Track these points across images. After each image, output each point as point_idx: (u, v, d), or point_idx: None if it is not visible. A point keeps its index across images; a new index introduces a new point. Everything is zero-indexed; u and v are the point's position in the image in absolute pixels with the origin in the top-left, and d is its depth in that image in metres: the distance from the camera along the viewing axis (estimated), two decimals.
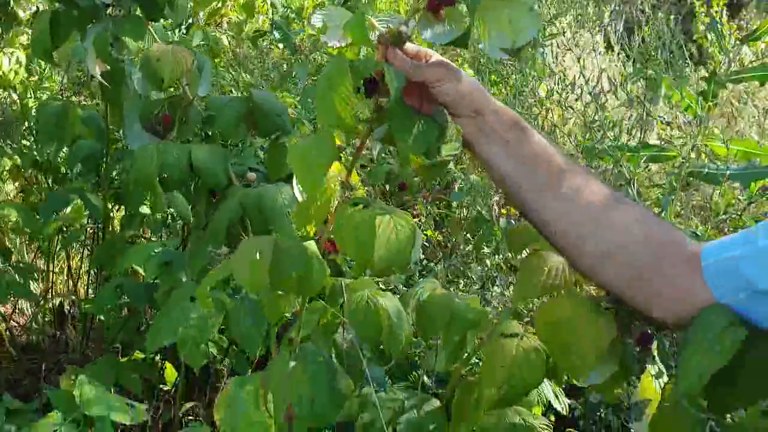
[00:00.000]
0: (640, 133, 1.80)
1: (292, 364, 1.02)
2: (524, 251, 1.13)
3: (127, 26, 1.48)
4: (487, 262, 1.53)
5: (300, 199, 1.04)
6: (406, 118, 0.91)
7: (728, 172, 1.53)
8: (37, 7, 2.47)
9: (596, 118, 1.46)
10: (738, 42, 1.55)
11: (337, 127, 0.87)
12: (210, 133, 1.61)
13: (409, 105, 0.93)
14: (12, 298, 2.35)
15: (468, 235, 1.55)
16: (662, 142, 1.58)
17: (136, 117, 1.54)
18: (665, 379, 1.07)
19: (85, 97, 2.12)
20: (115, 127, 1.84)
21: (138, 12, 1.52)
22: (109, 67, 1.53)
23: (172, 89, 1.55)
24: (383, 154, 1.66)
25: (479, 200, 1.46)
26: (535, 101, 1.75)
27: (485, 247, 1.47)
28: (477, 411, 1.13)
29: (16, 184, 2.49)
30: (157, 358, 2.16)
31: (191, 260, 1.51)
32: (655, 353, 1.12)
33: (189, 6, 1.77)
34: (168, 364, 2.08)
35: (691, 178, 1.61)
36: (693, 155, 1.56)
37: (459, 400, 1.18)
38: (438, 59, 0.94)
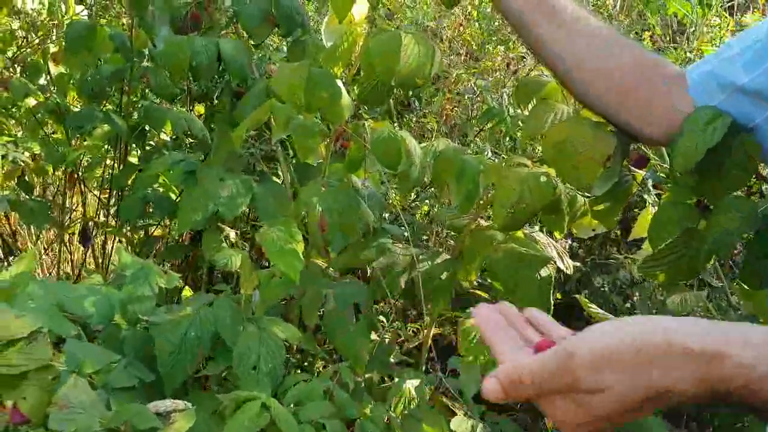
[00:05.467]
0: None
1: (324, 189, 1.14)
2: (530, 104, 1.24)
3: None
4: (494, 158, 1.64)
5: (328, 44, 1.15)
6: None
7: None
8: None
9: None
10: None
11: None
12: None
13: None
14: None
15: (476, 128, 1.67)
16: (656, 50, 1.70)
17: (165, 20, 1.65)
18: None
19: (114, 16, 2.22)
20: (139, 47, 1.93)
21: None
22: None
23: None
24: None
25: (489, 97, 1.57)
26: None
27: (492, 140, 1.58)
28: (487, 247, 1.23)
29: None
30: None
31: (217, 150, 1.62)
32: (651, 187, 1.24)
33: None
34: (186, 287, 2.18)
35: None
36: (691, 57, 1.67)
37: (470, 243, 1.29)
38: None
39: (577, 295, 1.51)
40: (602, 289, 1.62)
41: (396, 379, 1.26)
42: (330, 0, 1.05)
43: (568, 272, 1.40)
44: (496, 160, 1.67)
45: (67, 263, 2.63)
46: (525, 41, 1.09)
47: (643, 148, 1.16)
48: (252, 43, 1.66)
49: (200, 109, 2.30)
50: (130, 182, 2.14)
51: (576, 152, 1.03)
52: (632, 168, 1.14)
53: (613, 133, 1.04)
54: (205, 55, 1.50)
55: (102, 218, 2.40)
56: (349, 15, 1.10)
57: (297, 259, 1.19)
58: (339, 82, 1.12)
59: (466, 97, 1.70)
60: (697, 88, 0.96)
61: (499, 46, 2.27)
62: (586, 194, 1.12)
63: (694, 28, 1.72)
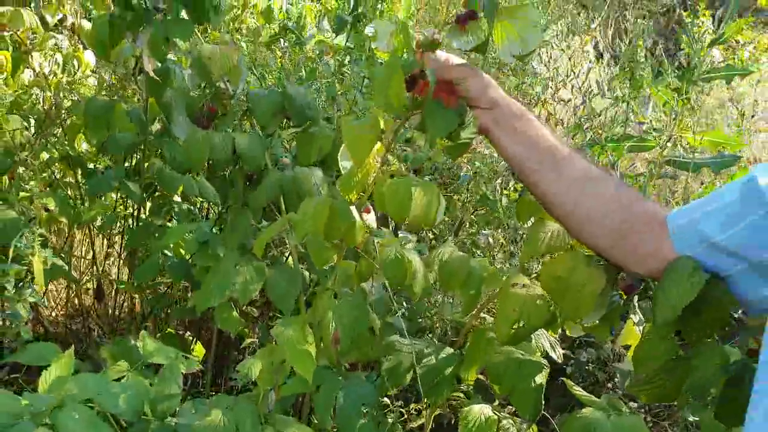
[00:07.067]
0: (624, 127, 2.03)
1: (337, 301, 1.26)
2: (529, 221, 1.36)
3: (176, 28, 1.69)
4: (490, 239, 1.76)
5: (344, 171, 1.26)
6: (437, 108, 1.14)
7: (700, 160, 1.77)
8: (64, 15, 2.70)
9: (585, 113, 1.69)
10: (708, 45, 1.78)
11: (388, 109, 1.09)
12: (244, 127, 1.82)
13: (438, 98, 1.15)
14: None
15: (473, 214, 1.79)
16: (642, 134, 1.81)
17: (182, 109, 1.75)
18: (643, 327, 1.29)
19: (130, 94, 2.31)
20: (152, 118, 2.03)
21: (185, 15, 1.73)
22: (159, 64, 1.73)
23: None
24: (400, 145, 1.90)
25: (483, 184, 1.69)
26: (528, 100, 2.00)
27: (488, 226, 1.70)
28: (488, 350, 1.35)
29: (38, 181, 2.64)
30: (187, 334, 2.38)
31: (231, 233, 1.72)
32: (637, 306, 1.35)
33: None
34: (198, 343, 2.29)
35: (668, 167, 1.84)
36: (669, 145, 1.80)
37: (472, 344, 1.41)
38: (462, 62, 1.17)
39: (563, 378, 1.64)
40: (587, 365, 1.74)
41: None
42: (347, 146, 1.16)
43: (559, 360, 1.52)
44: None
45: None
46: (522, 182, 1.20)
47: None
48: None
49: None
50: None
51: (574, 289, 1.15)
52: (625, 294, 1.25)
53: (604, 268, 1.15)
54: (223, 152, 1.61)
55: (109, 268, 2.51)
56: None
57: (310, 360, 1.30)
58: (354, 211, 1.23)
59: (460, 180, 1.81)
60: (678, 235, 1.07)
61: None
62: None
63: (674, 116, 1.84)
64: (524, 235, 1.74)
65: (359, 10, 2.92)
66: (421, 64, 1.12)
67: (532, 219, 1.33)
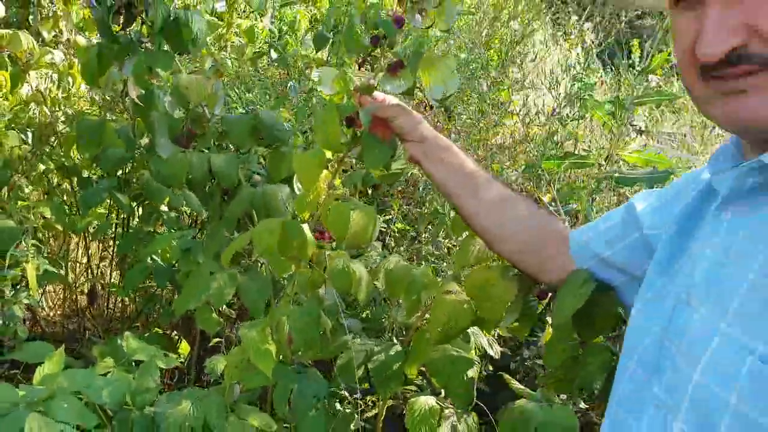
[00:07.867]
0: (575, 146, 2.22)
1: (291, 307, 1.44)
2: (463, 234, 1.55)
3: (158, 59, 1.88)
4: (441, 246, 1.96)
5: (298, 193, 1.45)
6: (372, 143, 1.33)
7: (636, 175, 1.96)
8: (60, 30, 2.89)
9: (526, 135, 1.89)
10: (640, 73, 1.97)
11: (327, 146, 1.28)
12: (224, 144, 2.01)
13: (374, 134, 1.34)
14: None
15: (429, 225, 1.98)
16: (581, 151, 2.01)
17: (164, 131, 1.94)
18: None
19: (119, 112, 2.49)
20: (139, 138, 2.21)
21: (167, 47, 1.91)
22: (143, 91, 1.92)
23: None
24: (359, 164, 2.10)
25: (436, 197, 1.88)
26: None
27: (441, 236, 1.89)
28: (428, 348, 1.54)
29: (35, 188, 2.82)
30: (173, 334, 2.57)
31: (209, 243, 1.92)
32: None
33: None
34: (184, 341, 2.48)
35: (606, 181, 2.02)
36: (605, 162, 1.99)
37: (414, 343, 1.60)
38: (396, 102, 1.35)
39: (502, 373, 1.83)
40: (526, 362, 1.93)
41: None
42: (298, 174, 1.35)
43: (496, 357, 1.71)
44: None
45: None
46: (447, 201, 1.39)
47: None
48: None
49: None
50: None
51: (487, 294, 1.34)
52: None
53: (517, 278, 1.34)
54: (200, 170, 1.80)
55: (104, 269, 2.70)
56: None
57: (270, 358, 1.49)
58: (306, 228, 1.42)
59: (420, 190, 2.01)
60: (576, 250, 1.26)
61: None
62: None
63: (611, 137, 2.03)
64: None
65: (339, 28, 3.11)
66: (358, 105, 1.31)
67: (465, 233, 1.52)
